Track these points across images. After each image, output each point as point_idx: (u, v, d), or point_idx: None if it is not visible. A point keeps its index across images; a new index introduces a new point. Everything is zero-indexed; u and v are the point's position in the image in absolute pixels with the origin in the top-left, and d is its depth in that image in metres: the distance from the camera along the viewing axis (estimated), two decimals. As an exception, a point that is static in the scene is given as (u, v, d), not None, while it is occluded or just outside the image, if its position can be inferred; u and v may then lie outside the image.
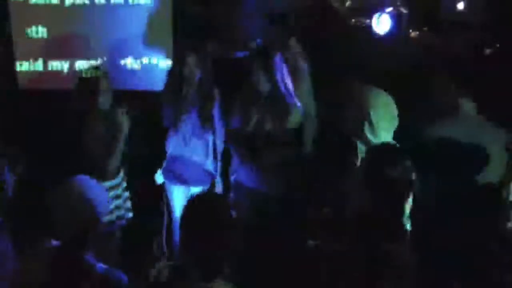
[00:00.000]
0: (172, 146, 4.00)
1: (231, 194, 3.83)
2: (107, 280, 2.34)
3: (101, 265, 2.38)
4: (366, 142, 2.97)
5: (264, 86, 3.50)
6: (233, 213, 3.75)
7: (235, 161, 3.75)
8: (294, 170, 3.64)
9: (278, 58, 3.50)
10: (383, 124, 2.95)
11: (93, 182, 2.53)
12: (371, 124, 2.94)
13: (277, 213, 3.49)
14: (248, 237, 2.60)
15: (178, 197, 4.03)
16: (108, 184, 3.60)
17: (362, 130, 2.95)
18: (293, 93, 3.52)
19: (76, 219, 2.38)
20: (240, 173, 3.68)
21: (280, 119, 3.46)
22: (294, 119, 3.50)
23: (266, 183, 3.55)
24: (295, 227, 3.27)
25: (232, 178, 3.91)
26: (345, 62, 4.68)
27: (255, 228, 3.32)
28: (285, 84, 3.49)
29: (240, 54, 4.70)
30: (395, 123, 3.00)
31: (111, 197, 3.62)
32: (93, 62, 4.91)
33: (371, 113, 2.93)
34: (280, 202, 3.53)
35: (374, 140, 2.95)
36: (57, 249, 2.38)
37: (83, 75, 3.75)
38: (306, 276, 2.33)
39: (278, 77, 3.48)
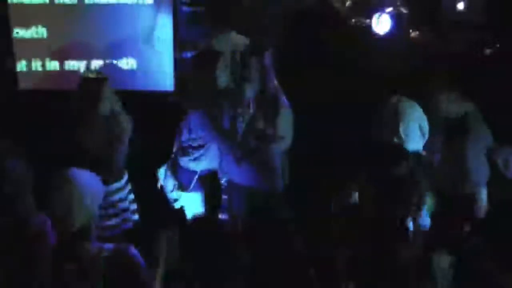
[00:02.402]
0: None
1: (224, 196, 3.83)
2: (118, 257, 2.35)
3: (108, 245, 2.39)
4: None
5: (255, 85, 3.51)
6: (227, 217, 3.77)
7: (225, 161, 3.72)
8: (286, 168, 3.66)
9: (268, 57, 3.52)
10: (412, 137, 2.98)
11: (83, 172, 2.51)
12: (400, 137, 2.95)
13: (270, 210, 3.49)
14: (243, 236, 2.60)
15: (198, 202, 4.00)
16: (113, 186, 3.59)
17: (394, 142, 2.98)
18: (280, 93, 3.54)
19: (74, 210, 2.37)
20: (232, 173, 3.68)
21: (270, 117, 3.48)
22: (284, 118, 3.51)
23: (258, 182, 3.56)
24: (290, 226, 3.26)
25: (223, 180, 3.91)
26: (345, 62, 4.69)
27: (249, 227, 3.32)
28: (275, 84, 3.51)
29: None
30: (425, 135, 3.03)
31: (116, 200, 3.62)
32: (93, 63, 4.92)
33: (401, 127, 2.95)
34: (273, 200, 3.54)
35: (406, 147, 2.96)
36: (60, 242, 2.37)
37: (84, 80, 3.75)
38: (302, 275, 2.33)
39: (268, 76, 3.50)
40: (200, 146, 3.86)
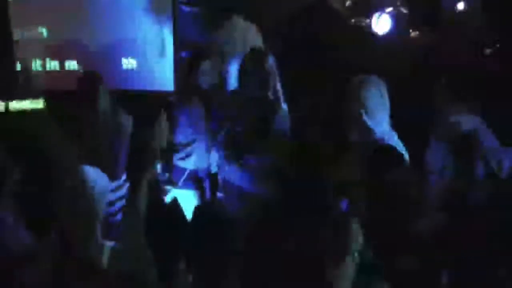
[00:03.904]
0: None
1: (220, 194, 3.84)
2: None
3: (109, 243, 2.39)
4: (366, 129, 3.05)
5: (252, 88, 3.52)
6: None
7: (221, 161, 3.75)
8: (279, 171, 3.66)
9: (269, 61, 3.53)
10: (376, 106, 3.07)
11: (91, 168, 2.52)
12: (367, 110, 3.04)
13: (266, 212, 3.50)
14: (240, 236, 2.62)
15: (191, 201, 4.01)
16: (112, 185, 3.59)
17: (361, 119, 3.04)
18: (280, 96, 3.55)
19: (81, 207, 2.36)
20: (227, 173, 3.70)
21: (265, 120, 3.49)
22: (280, 122, 3.52)
23: (253, 183, 3.57)
24: (286, 228, 3.27)
25: (220, 177, 3.92)
26: (344, 63, 4.68)
27: (245, 226, 3.32)
28: (274, 87, 3.52)
29: None
30: (387, 102, 3.11)
31: (115, 198, 3.62)
32: (92, 63, 4.92)
33: (366, 99, 3.04)
34: (268, 202, 3.55)
35: (373, 125, 3.05)
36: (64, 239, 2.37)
37: (79, 79, 3.77)
38: (299, 273, 2.33)
39: (268, 80, 3.51)
40: (187, 144, 3.90)
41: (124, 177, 3.76)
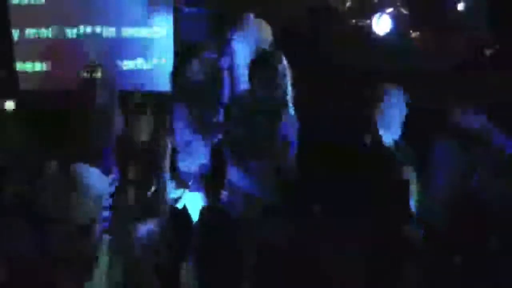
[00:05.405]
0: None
1: (224, 196, 3.85)
2: None
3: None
4: (378, 136, 3.08)
5: (260, 91, 3.51)
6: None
7: (228, 163, 3.74)
8: (285, 173, 3.65)
9: (281, 62, 3.52)
10: (393, 123, 3.12)
11: (91, 169, 2.49)
12: (383, 118, 3.11)
13: (268, 215, 3.50)
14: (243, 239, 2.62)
15: (197, 202, 4.01)
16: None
17: (375, 125, 3.07)
18: (288, 98, 3.54)
19: (73, 207, 2.35)
20: (232, 175, 3.69)
21: (272, 123, 3.48)
22: (286, 122, 3.51)
23: (258, 187, 3.57)
24: (288, 231, 3.28)
25: (226, 179, 3.93)
26: (345, 63, 4.69)
27: (248, 229, 3.33)
28: (285, 88, 3.51)
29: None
30: (404, 112, 3.17)
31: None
32: (94, 64, 4.92)
33: (382, 107, 3.12)
34: (272, 205, 3.54)
35: (385, 132, 3.12)
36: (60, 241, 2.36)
37: (83, 78, 3.77)
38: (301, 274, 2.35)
39: (274, 82, 3.50)
40: (185, 144, 3.90)
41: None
